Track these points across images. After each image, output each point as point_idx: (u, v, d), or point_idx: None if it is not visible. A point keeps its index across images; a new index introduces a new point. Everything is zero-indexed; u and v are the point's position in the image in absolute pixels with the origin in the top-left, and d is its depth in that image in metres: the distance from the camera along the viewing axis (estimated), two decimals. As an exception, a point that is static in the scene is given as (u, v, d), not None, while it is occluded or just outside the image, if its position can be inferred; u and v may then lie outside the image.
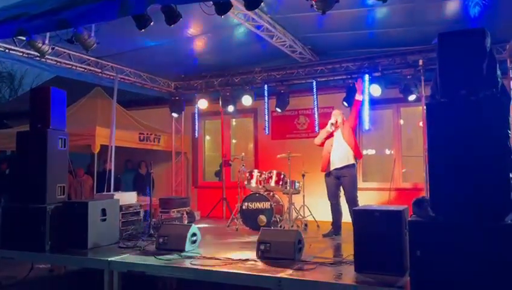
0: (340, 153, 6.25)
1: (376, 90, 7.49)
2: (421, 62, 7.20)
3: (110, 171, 7.70)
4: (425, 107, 3.89)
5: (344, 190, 6.31)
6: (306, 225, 7.16)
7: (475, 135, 3.38)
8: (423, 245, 3.49)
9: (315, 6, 4.24)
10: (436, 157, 3.58)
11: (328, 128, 6.36)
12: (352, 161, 6.24)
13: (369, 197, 7.82)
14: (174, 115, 9.46)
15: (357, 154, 6.33)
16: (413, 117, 8.49)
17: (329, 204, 6.41)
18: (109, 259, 4.75)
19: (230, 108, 8.76)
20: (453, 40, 3.59)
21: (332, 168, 6.28)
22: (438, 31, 3.68)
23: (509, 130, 3.38)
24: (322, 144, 6.46)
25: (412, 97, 7.29)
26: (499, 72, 3.52)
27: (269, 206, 6.91)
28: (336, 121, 6.36)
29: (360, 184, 8.61)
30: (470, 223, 3.35)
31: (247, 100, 8.54)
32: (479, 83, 3.47)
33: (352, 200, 6.06)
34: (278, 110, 8.55)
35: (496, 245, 3.25)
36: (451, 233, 3.40)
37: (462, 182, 3.39)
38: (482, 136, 3.36)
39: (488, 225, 3.31)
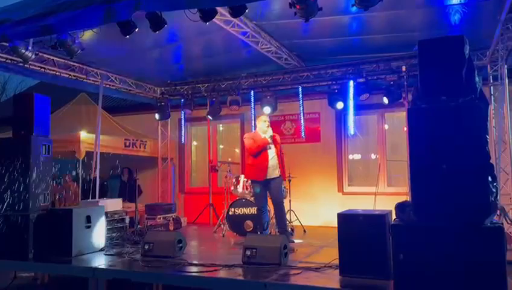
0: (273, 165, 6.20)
1: (364, 95, 7.62)
2: (404, 68, 7.31)
3: (95, 177, 7.63)
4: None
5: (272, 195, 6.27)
6: (292, 229, 7.18)
7: (455, 139, 3.45)
8: (406, 249, 3.54)
9: (298, 14, 4.29)
10: (417, 162, 3.65)
11: (270, 141, 6.20)
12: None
13: (354, 201, 7.88)
14: (157, 116, 9.36)
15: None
16: (398, 122, 8.61)
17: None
18: (94, 266, 4.72)
19: (211, 117, 8.85)
20: (433, 47, 3.67)
21: (267, 177, 6.17)
22: (420, 38, 3.76)
23: (488, 135, 3.47)
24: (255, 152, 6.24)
25: (385, 100, 7.45)
26: (477, 79, 3.61)
27: (256, 212, 6.91)
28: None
29: (346, 188, 8.74)
30: (451, 227, 3.41)
31: (234, 108, 8.57)
32: (458, 89, 3.55)
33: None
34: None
35: (476, 248, 3.31)
36: (433, 236, 3.46)
37: (443, 186, 3.45)
38: (461, 141, 3.42)
39: (469, 228, 3.37)
